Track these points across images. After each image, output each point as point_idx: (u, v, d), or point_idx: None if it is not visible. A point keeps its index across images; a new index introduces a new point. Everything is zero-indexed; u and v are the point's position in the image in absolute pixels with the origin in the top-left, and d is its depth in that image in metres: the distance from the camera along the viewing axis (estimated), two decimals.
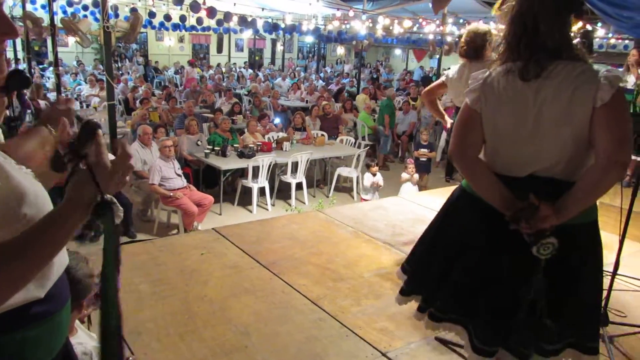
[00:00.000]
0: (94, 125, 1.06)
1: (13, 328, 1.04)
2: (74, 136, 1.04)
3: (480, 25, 3.54)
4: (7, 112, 1.34)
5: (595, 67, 1.72)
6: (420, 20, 12.17)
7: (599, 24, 9.58)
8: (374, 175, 7.36)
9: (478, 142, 1.86)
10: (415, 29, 13.22)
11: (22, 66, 12.32)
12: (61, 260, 1.18)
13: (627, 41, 11.72)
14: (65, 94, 10.73)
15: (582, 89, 1.66)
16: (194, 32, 17.44)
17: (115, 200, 1.03)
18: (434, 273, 2.08)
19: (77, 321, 1.93)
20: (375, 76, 21.36)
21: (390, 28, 11.70)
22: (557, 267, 1.73)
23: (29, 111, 6.16)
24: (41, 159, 1.32)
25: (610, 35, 11.52)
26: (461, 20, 12.90)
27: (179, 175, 6.39)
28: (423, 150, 8.70)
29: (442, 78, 3.74)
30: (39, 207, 1.08)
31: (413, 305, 3.15)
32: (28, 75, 1.28)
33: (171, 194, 6.10)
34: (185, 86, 15.88)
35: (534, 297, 1.72)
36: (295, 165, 7.63)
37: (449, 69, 3.75)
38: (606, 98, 1.62)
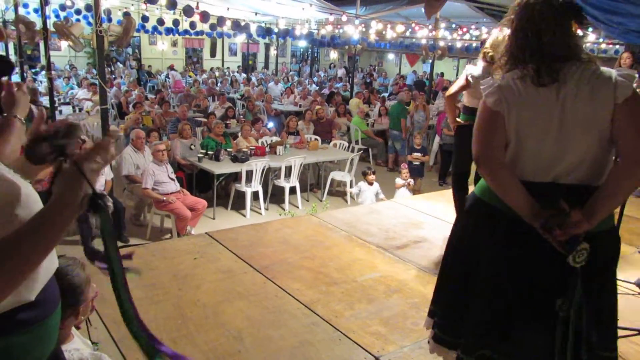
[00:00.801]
0: (73, 124, 1.07)
1: (2, 334, 1.04)
2: (52, 134, 1.04)
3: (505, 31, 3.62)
4: None
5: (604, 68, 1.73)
6: (413, 25, 12.24)
7: (590, 29, 9.66)
8: (371, 184, 7.29)
9: (502, 145, 1.80)
10: (408, 33, 13.29)
11: (15, 70, 12.26)
12: (50, 264, 1.17)
13: (617, 46, 11.83)
14: (57, 98, 10.69)
15: (600, 88, 1.67)
16: (187, 36, 17.49)
17: (104, 192, 1.04)
18: (450, 301, 1.99)
19: (73, 327, 1.92)
20: (368, 80, 21.42)
21: (383, 33, 11.75)
22: (583, 275, 1.69)
23: None
24: (15, 157, 1.32)
25: (601, 40, 11.63)
26: (453, 25, 12.99)
27: (172, 179, 6.38)
28: (416, 154, 8.71)
29: (464, 78, 3.77)
30: (30, 208, 1.08)
31: (406, 309, 3.17)
32: (9, 60, 1.26)
33: (164, 198, 6.08)
34: (175, 86, 15.90)
35: (573, 309, 1.68)
36: (288, 170, 7.64)
37: (467, 69, 3.82)
38: (627, 93, 1.64)
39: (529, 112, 1.75)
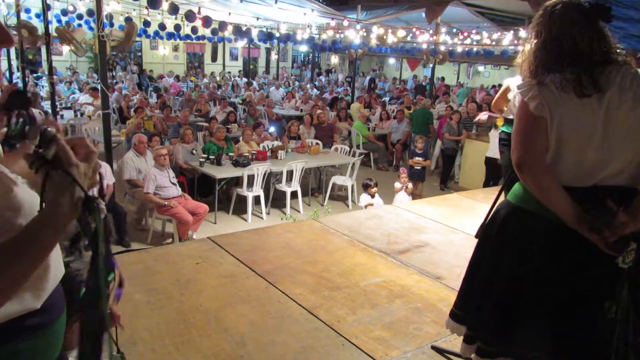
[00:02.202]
0: (50, 132, 1.05)
1: (9, 339, 1.04)
2: (37, 146, 1.03)
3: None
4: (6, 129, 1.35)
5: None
6: (414, 29, 12.26)
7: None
8: (372, 196, 7.28)
9: (545, 149, 1.77)
10: (409, 38, 13.32)
11: (17, 75, 12.27)
12: (57, 272, 1.17)
13: (617, 50, 11.82)
14: (59, 103, 10.72)
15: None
16: (188, 41, 17.52)
17: (96, 194, 1.04)
18: (497, 313, 1.94)
19: None
20: (372, 85, 21.48)
21: (384, 37, 11.77)
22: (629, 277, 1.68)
23: (21, 120, 6.12)
24: (32, 175, 1.32)
25: None
26: (454, 30, 13.02)
27: (173, 184, 6.38)
28: (417, 159, 8.71)
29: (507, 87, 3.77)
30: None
31: (409, 314, 3.16)
32: (29, 95, 1.28)
33: (166, 202, 6.08)
34: (172, 87, 15.95)
35: (620, 310, 1.67)
36: (290, 174, 7.64)
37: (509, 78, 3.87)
38: None
39: (571, 119, 1.73)
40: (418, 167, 8.57)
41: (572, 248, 1.74)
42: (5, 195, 1.03)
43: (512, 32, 12.18)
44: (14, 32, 8.74)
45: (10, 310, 0.99)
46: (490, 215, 2.07)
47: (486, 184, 8.12)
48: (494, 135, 8.41)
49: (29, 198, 1.09)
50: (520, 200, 1.90)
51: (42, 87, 13.88)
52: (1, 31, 1.04)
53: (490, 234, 2.01)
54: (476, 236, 3.54)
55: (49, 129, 1.04)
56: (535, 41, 1.82)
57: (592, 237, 1.66)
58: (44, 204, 1.01)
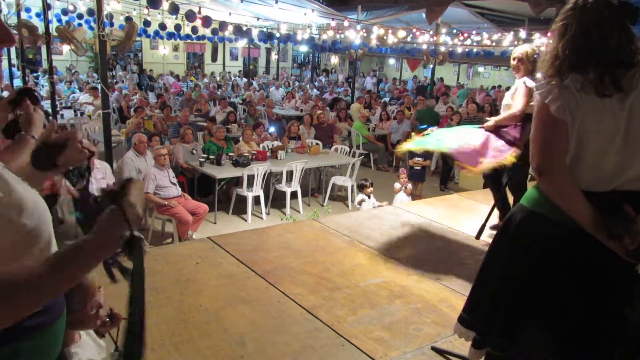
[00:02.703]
0: (131, 179, 1.14)
1: (10, 340, 1.04)
2: (114, 186, 1.11)
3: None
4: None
5: None
6: (414, 30, 12.27)
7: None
8: (368, 197, 7.27)
9: (565, 153, 1.73)
10: (409, 38, 13.33)
11: (17, 74, 12.27)
12: None
13: None
14: (59, 102, 10.71)
15: None
16: (188, 40, 17.51)
17: (142, 236, 1.08)
18: (508, 319, 1.92)
19: (91, 332, 1.92)
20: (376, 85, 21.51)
21: (385, 38, 11.78)
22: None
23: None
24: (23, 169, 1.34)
25: None
26: (454, 31, 13.02)
27: (173, 183, 6.38)
28: (417, 159, 8.70)
29: (527, 89, 3.84)
30: (38, 216, 1.09)
31: (409, 315, 3.16)
32: (38, 94, 1.31)
33: (166, 202, 6.08)
34: (173, 86, 15.95)
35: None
36: (290, 174, 7.64)
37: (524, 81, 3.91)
38: None
39: (592, 121, 1.69)
40: (418, 168, 8.56)
41: (589, 254, 1.71)
42: (6, 193, 1.03)
43: (512, 33, 12.19)
44: (15, 32, 8.74)
45: None
46: (503, 220, 2.04)
47: (486, 186, 8.12)
48: None
49: (31, 198, 1.09)
50: (535, 205, 1.86)
51: (42, 86, 13.87)
52: (3, 30, 1.05)
53: (505, 238, 1.97)
54: (477, 237, 3.54)
55: (130, 178, 1.13)
56: (563, 36, 1.75)
57: (611, 244, 1.63)
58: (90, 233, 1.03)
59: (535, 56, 3.96)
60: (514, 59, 4.01)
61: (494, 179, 4.27)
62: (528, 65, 3.97)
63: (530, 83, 3.84)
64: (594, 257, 1.70)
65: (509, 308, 1.91)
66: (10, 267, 0.94)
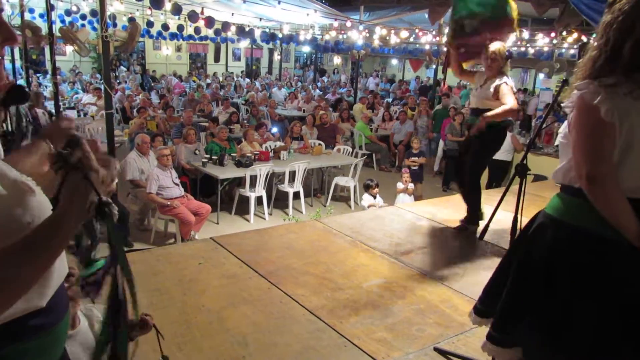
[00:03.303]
0: (77, 136, 1.09)
1: (14, 339, 1.04)
2: (62, 147, 1.07)
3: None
4: (4, 125, 1.37)
5: None
6: (417, 30, 12.25)
7: (594, 35, 9.68)
8: (374, 197, 7.26)
9: (612, 158, 1.64)
10: (411, 39, 13.31)
11: (22, 72, 12.27)
12: (61, 270, 1.18)
13: None
14: (62, 103, 10.73)
15: None
16: (191, 41, 17.53)
17: (110, 200, 1.05)
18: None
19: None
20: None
21: (387, 38, 11.77)
22: None
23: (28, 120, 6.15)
24: (41, 174, 1.33)
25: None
26: None
27: (176, 184, 6.39)
28: (413, 158, 8.69)
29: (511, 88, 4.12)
30: (43, 215, 1.09)
31: (411, 315, 3.15)
32: (27, 90, 1.30)
33: (168, 202, 6.09)
34: (175, 87, 15.99)
35: None
36: (292, 175, 7.65)
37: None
38: None
39: (639, 127, 1.62)
40: (415, 167, 8.55)
41: (627, 265, 1.65)
42: (11, 191, 1.03)
43: (514, 33, 12.15)
44: (18, 32, 8.77)
45: (17, 308, 0.99)
46: (531, 230, 1.93)
47: (489, 186, 8.11)
48: None
49: (35, 196, 1.09)
50: (566, 215, 1.79)
51: (46, 87, 13.90)
52: (6, 29, 1.05)
53: (536, 252, 1.86)
54: (480, 238, 3.52)
55: (76, 133, 1.10)
56: (624, 34, 1.62)
57: None
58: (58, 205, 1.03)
59: (507, 54, 4.18)
60: (488, 58, 4.18)
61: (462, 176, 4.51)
62: (500, 62, 4.15)
63: (510, 82, 4.12)
64: (630, 267, 1.65)
65: (551, 328, 1.82)
66: None
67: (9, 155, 1.39)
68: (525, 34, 11.58)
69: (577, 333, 1.72)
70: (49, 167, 1.12)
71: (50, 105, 9.52)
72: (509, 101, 4.03)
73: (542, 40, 12.33)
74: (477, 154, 4.39)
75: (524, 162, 2.42)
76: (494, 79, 4.16)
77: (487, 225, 3.65)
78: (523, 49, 13.73)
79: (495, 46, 4.17)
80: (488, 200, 4.64)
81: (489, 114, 4.06)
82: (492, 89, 4.14)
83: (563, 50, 13.16)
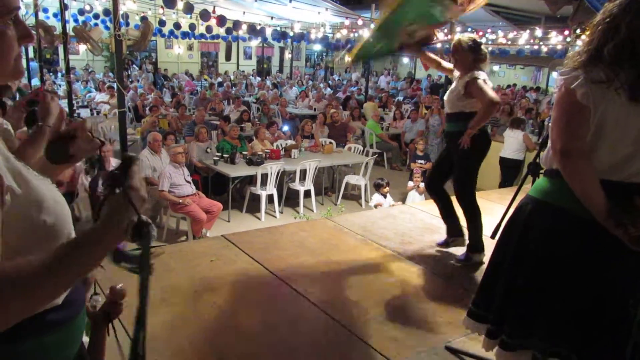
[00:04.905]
0: (133, 157, 1.10)
1: (34, 334, 1.05)
2: (116, 168, 1.07)
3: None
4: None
5: None
6: None
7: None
8: (384, 196, 7.23)
9: (586, 137, 1.75)
10: None
11: (35, 68, 12.33)
12: None
13: None
14: (75, 102, 10.82)
15: None
16: (203, 40, 17.61)
17: (150, 221, 1.03)
18: (521, 308, 1.95)
19: None
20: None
21: None
22: None
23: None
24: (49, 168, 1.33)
25: None
26: (469, 29, 12.91)
27: (188, 182, 6.42)
28: (419, 162, 8.59)
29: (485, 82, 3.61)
30: (58, 213, 1.09)
31: (422, 314, 3.15)
32: (36, 117, 1.33)
33: (180, 200, 6.13)
34: (186, 84, 16.06)
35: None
36: (303, 173, 7.65)
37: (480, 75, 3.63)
38: None
39: (613, 117, 1.72)
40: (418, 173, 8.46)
41: (600, 244, 1.75)
42: (26, 190, 1.02)
43: (528, 31, 12.07)
44: (33, 32, 8.85)
45: None
46: (512, 211, 2.06)
47: (502, 185, 8.05)
48: (509, 135, 8.35)
49: (50, 194, 1.09)
50: (546, 195, 1.90)
51: (59, 85, 14.03)
52: (23, 27, 1.05)
53: (514, 230, 2.00)
54: (492, 236, 3.50)
55: (133, 156, 1.08)
56: (607, 35, 1.72)
57: (617, 232, 1.67)
58: (97, 222, 1.01)
59: (470, 44, 3.64)
60: (451, 55, 3.79)
61: (436, 185, 4.07)
62: (464, 54, 3.65)
63: (482, 75, 3.59)
64: (604, 247, 1.74)
65: (521, 297, 1.94)
66: (16, 261, 0.92)
67: (19, 146, 1.41)
68: (539, 32, 11.49)
69: (553, 309, 1.84)
70: (54, 146, 1.17)
71: (63, 104, 9.60)
72: (486, 95, 3.51)
73: (556, 38, 12.22)
74: (463, 170, 3.85)
75: (537, 160, 2.42)
76: (464, 76, 3.64)
77: (499, 224, 3.63)
78: (536, 47, 13.62)
79: (456, 38, 3.77)
80: (499, 199, 4.62)
81: (472, 123, 3.59)
82: (461, 88, 3.64)
83: (577, 49, 13.03)
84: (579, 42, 11.68)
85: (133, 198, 1.01)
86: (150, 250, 1.05)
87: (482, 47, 3.72)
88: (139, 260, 1.05)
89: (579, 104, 1.73)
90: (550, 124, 1.93)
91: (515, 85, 20.49)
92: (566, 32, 11.25)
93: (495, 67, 24.61)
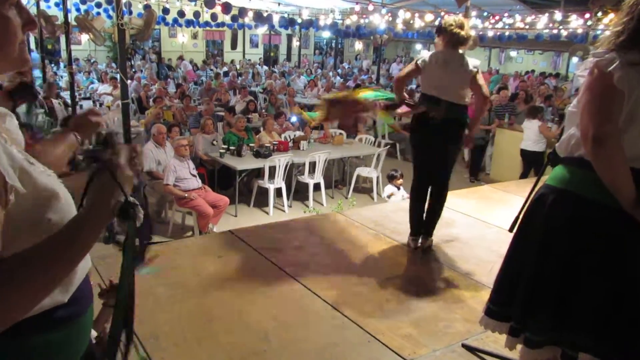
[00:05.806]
0: (113, 134, 1.11)
1: (41, 331, 1.06)
2: (93, 143, 1.10)
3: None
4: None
5: None
6: (443, 13, 11.95)
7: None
8: (398, 188, 7.05)
9: (618, 123, 1.71)
10: (437, 22, 13.02)
11: (36, 58, 12.25)
12: (84, 264, 1.17)
13: None
14: (78, 93, 10.72)
15: None
16: (207, 28, 17.43)
17: (137, 201, 1.04)
18: (548, 302, 1.90)
19: None
20: None
21: (411, 22, 11.51)
22: None
23: (42, 110, 6.10)
24: (65, 166, 1.39)
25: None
26: (485, 13, 12.66)
27: (193, 175, 6.30)
28: None
29: (414, 64, 3.68)
30: (64, 212, 1.08)
31: (438, 311, 3.02)
32: (36, 91, 1.26)
33: (186, 194, 6.01)
34: (188, 75, 15.97)
35: None
36: (312, 165, 7.50)
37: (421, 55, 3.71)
38: None
39: None
40: None
41: (627, 233, 1.72)
42: (33, 188, 1.01)
43: (546, 15, 11.76)
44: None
45: (41, 303, 1.00)
46: (530, 202, 2.02)
47: (523, 177, 7.86)
48: (527, 127, 8.11)
49: (58, 192, 1.08)
50: (568, 184, 1.86)
51: (61, 77, 13.93)
52: (27, 14, 1.03)
53: (535, 221, 1.94)
54: (510, 230, 3.36)
55: (114, 132, 1.10)
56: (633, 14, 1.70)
57: None
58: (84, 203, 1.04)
59: (452, 27, 3.57)
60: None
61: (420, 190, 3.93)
62: (447, 36, 3.58)
63: (474, 62, 3.61)
64: (631, 236, 1.73)
65: (548, 290, 1.89)
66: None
67: (38, 144, 1.42)
68: (558, 16, 11.20)
69: (580, 302, 1.81)
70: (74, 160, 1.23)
71: (66, 95, 9.50)
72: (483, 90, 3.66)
73: (576, 22, 11.90)
74: (452, 157, 3.83)
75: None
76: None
77: (517, 217, 3.48)
78: (555, 31, 13.29)
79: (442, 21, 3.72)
80: (518, 191, 4.49)
81: (475, 124, 3.73)
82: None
83: (598, 32, 12.69)
84: (600, 26, 11.45)
85: (119, 178, 1.02)
86: (135, 230, 1.06)
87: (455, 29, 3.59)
88: (124, 242, 1.07)
89: (614, 88, 1.68)
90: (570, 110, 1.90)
91: (533, 71, 20.14)
92: (587, 15, 10.93)
93: (513, 53, 24.15)
